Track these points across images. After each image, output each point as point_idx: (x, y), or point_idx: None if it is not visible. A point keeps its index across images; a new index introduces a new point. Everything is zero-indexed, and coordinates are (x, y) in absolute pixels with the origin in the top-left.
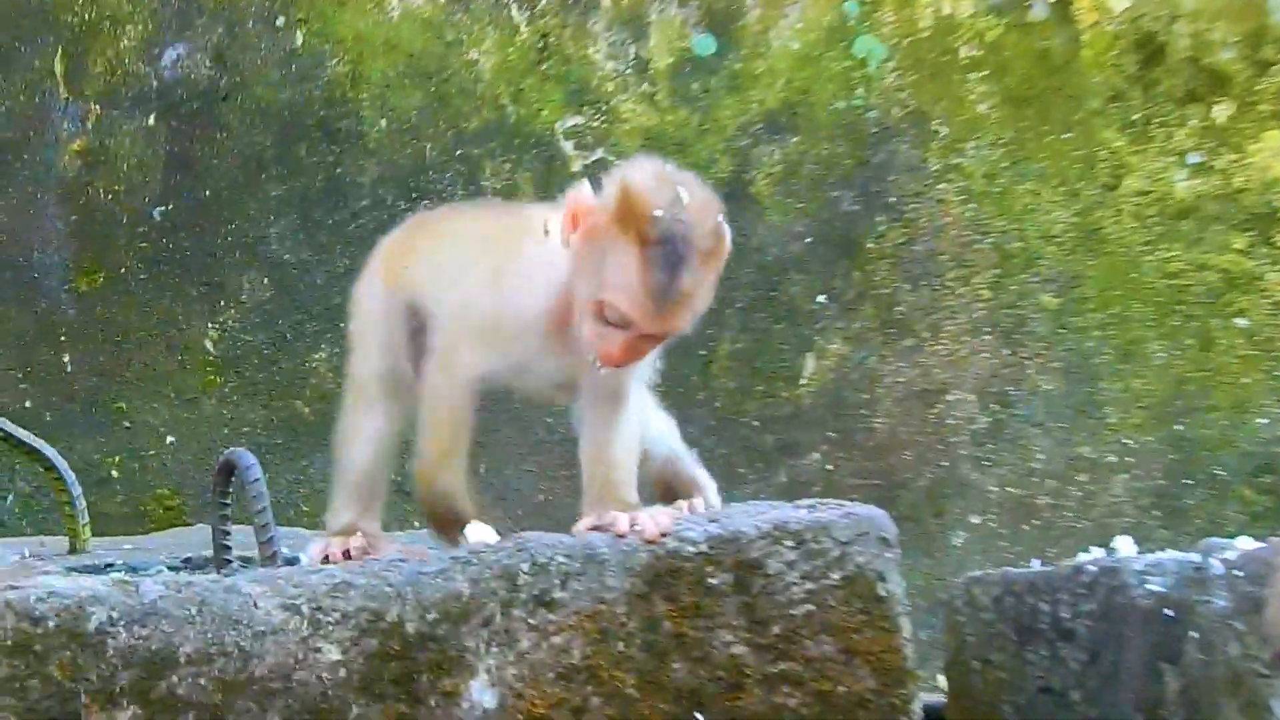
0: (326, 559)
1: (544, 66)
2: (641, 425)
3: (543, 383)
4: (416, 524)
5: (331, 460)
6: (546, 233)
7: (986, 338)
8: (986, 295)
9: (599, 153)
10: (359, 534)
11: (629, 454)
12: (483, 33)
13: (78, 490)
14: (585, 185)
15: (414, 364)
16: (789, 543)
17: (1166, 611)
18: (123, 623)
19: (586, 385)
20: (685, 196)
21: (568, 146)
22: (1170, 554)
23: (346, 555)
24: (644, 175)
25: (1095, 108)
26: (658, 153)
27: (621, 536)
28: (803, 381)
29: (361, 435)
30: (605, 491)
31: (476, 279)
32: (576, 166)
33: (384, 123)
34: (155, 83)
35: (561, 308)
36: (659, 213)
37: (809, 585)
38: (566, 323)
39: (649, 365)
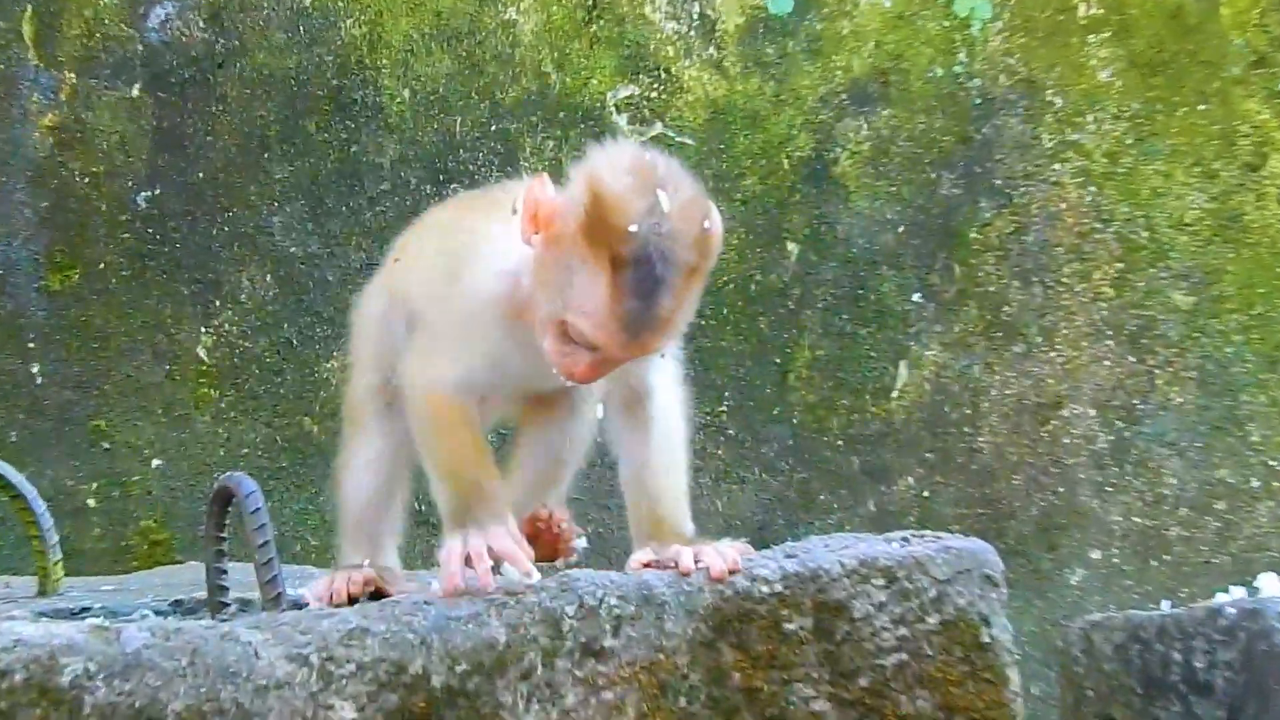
0: (331, 599)
1: (593, 28)
2: (683, 431)
3: (520, 383)
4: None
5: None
6: (515, 211)
7: (1109, 343)
8: (1109, 293)
9: (658, 127)
10: (366, 563)
11: (675, 472)
12: None
13: (49, 522)
14: (545, 179)
15: None
16: (878, 581)
17: None
18: (101, 676)
19: (606, 390)
20: (666, 203)
21: (621, 121)
22: None
23: (351, 598)
24: (617, 176)
25: (1235, 75)
26: (726, 129)
27: (685, 575)
28: (894, 394)
29: (357, 463)
30: (657, 522)
31: (438, 269)
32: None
33: (407, 94)
34: (140, 47)
35: (522, 294)
36: (635, 228)
37: (901, 631)
38: (524, 304)
39: (674, 350)
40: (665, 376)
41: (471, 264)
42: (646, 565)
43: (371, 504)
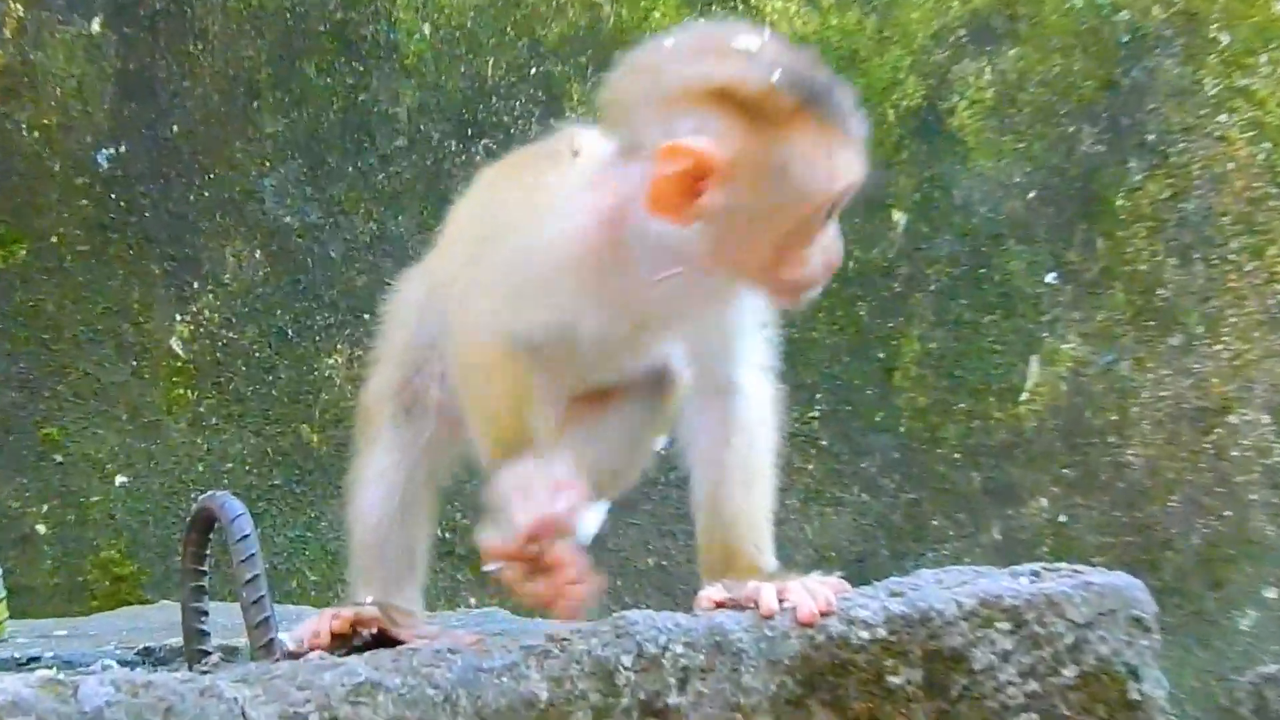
0: (309, 642)
1: None
2: (771, 440)
3: (596, 350)
4: (472, 600)
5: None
6: (575, 154)
7: None
8: None
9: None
10: (368, 598)
11: (758, 490)
12: None
13: None
14: (663, 152)
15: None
16: (1003, 625)
17: None
18: None
19: (688, 381)
20: (751, 43)
21: None
22: None
23: (339, 635)
24: (701, 66)
25: None
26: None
27: (766, 617)
28: (1024, 396)
29: (367, 477)
30: (733, 552)
31: (491, 225)
32: None
33: (427, 29)
34: None
35: (605, 241)
36: (776, 76)
37: (1031, 685)
38: (614, 259)
39: (762, 341)
40: (753, 366)
41: (543, 210)
42: (719, 605)
43: (383, 527)
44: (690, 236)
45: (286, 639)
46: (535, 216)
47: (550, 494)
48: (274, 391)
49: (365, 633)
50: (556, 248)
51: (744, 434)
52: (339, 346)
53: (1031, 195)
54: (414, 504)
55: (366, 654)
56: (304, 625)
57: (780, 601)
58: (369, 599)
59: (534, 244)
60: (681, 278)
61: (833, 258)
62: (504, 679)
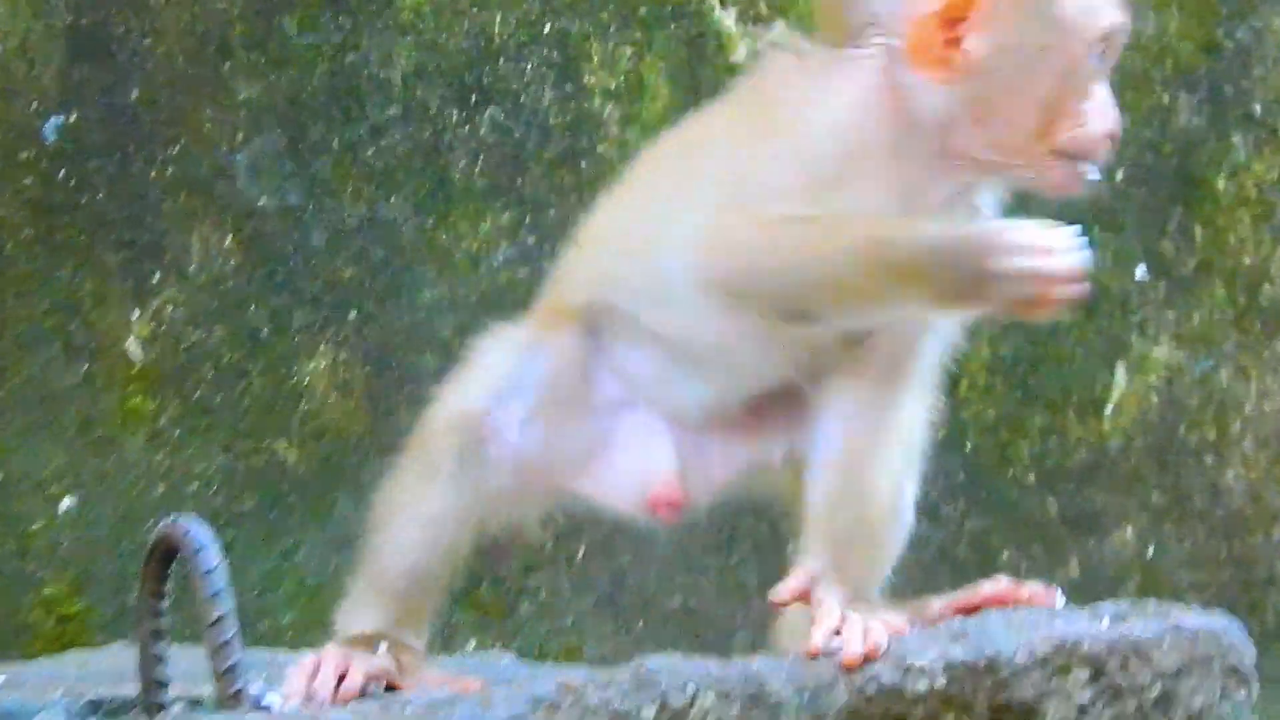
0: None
1: None
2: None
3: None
4: (471, 642)
5: (338, 539)
6: (810, 50)
7: None
8: None
9: (777, 28)
10: (382, 646)
11: (883, 498)
12: None
13: None
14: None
15: (553, 443)
16: (1080, 673)
17: None
18: None
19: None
20: None
21: (728, 17)
22: None
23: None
24: None
25: None
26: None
27: (811, 656)
28: (1109, 410)
29: (413, 516)
30: (858, 521)
31: (715, 164)
32: (741, 52)
33: None
34: None
35: (883, 125)
36: None
37: None
38: (896, 145)
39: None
40: (931, 361)
41: (809, 115)
42: (794, 598)
43: (414, 572)
44: (957, 102)
45: (275, 700)
46: (794, 120)
47: (1034, 240)
48: (246, 401)
49: (374, 686)
50: (838, 135)
51: (901, 416)
52: (322, 349)
53: (1119, 176)
54: (455, 551)
55: (351, 703)
56: (297, 673)
57: (835, 630)
58: (383, 646)
59: (807, 141)
60: (952, 176)
61: (1110, 125)
62: None
